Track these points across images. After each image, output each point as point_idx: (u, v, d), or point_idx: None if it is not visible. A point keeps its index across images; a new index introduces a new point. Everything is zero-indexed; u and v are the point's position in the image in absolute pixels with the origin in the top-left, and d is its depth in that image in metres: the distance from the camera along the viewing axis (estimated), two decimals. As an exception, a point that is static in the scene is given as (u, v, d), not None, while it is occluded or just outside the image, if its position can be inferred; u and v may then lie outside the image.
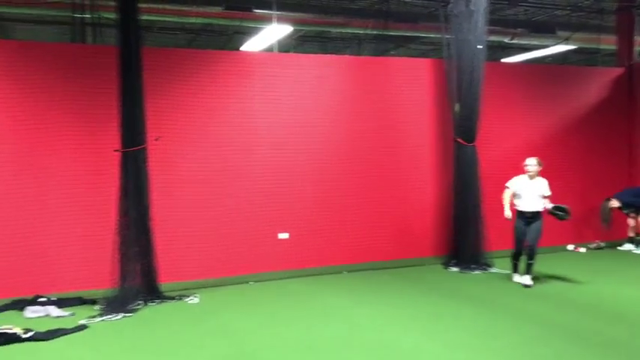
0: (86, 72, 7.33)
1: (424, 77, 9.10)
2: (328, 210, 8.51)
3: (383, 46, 12.78)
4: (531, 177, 7.59)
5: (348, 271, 8.51)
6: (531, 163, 7.59)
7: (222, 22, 9.56)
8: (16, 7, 8.31)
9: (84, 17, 8.67)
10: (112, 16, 7.49)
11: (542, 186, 7.58)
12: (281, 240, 8.23)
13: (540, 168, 7.60)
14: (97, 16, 8.24)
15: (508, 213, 7.55)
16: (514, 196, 7.66)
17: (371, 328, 5.97)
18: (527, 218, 7.56)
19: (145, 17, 7.38)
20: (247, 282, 7.98)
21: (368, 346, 5.41)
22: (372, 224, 8.76)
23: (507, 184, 7.72)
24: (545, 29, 10.44)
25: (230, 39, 12.55)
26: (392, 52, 13.94)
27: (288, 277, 8.16)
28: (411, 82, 9.00)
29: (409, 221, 9.00)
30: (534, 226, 7.53)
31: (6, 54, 7.06)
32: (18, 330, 5.76)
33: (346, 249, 8.61)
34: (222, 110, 7.95)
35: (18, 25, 11.79)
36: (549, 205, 7.58)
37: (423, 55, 14.46)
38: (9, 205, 7.01)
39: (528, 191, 7.56)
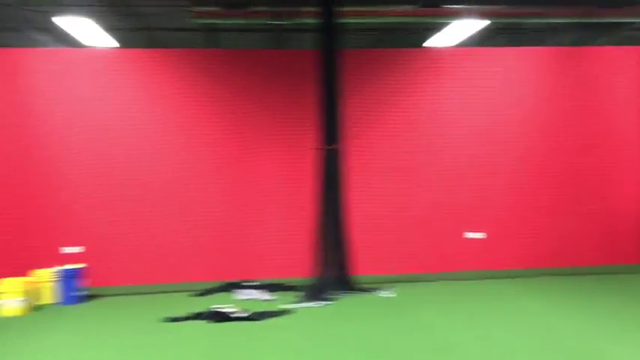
0: (284, 76, 7.82)
1: (634, 67, 8.27)
2: (525, 210, 8.14)
3: (584, 35, 11.81)
4: None
5: (547, 275, 8.05)
6: None
7: (414, 20, 9.55)
8: (226, 19, 9.09)
9: (285, 24, 9.23)
10: (311, 21, 7.90)
11: None
12: (476, 240, 8.06)
13: None
14: (298, 22, 8.73)
15: None
16: None
17: (575, 337, 5.58)
18: None
19: (341, 20, 7.66)
20: (440, 280, 7.94)
21: (576, 357, 5.08)
22: (572, 226, 8.19)
23: None
24: None
25: (421, 36, 12.51)
26: (594, 42, 12.83)
27: (481, 278, 7.96)
28: (617, 73, 8.24)
29: (615, 225, 8.25)
30: None
31: (212, 62, 7.77)
32: (233, 309, 6.39)
33: (544, 252, 8.16)
34: (419, 108, 7.99)
35: (222, 34, 12.90)
36: None
37: (630, 42, 13.13)
38: (221, 201, 7.77)
39: None
